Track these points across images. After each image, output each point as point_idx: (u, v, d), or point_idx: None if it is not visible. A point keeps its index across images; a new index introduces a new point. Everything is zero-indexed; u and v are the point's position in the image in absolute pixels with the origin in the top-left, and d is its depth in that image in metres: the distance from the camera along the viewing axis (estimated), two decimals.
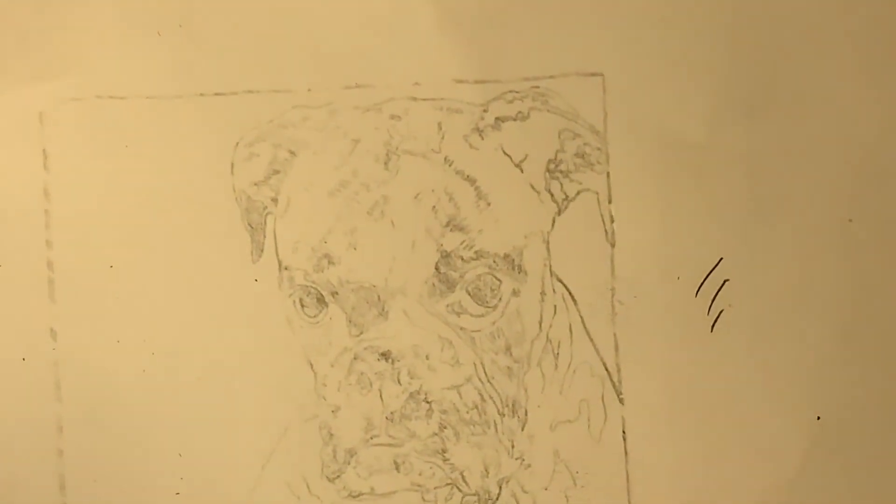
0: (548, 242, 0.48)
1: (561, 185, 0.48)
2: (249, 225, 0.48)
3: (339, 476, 0.47)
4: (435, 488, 0.47)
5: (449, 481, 0.47)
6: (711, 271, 0.47)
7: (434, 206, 0.47)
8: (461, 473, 0.47)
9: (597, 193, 0.48)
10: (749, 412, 0.47)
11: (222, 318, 0.48)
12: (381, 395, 0.47)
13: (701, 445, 0.47)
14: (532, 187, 0.48)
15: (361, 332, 0.47)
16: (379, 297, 0.47)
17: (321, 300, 0.48)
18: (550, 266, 0.48)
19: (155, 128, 0.49)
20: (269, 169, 0.48)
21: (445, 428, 0.47)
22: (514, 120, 0.48)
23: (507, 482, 0.47)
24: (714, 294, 0.47)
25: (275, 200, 0.48)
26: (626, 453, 0.47)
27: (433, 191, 0.48)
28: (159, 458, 0.48)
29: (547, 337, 0.47)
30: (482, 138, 0.48)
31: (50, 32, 0.49)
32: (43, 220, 0.49)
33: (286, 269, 0.48)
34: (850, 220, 0.47)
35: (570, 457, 0.47)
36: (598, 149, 0.48)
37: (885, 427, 0.47)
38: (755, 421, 0.47)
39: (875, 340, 0.47)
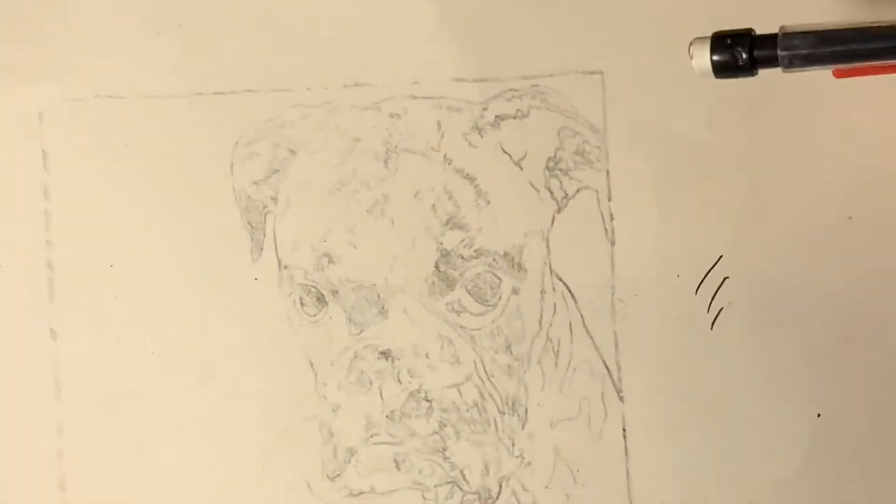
0: (547, 240, 0.48)
1: (560, 182, 0.48)
2: (249, 224, 0.48)
3: (339, 475, 0.47)
4: (435, 487, 0.47)
5: (449, 479, 0.47)
6: (711, 269, 0.47)
7: (434, 205, 0.47)
8: (461, 472, 0.47)
9: (596, 191, 0.48)
10: (749, 409, 0.47)
11: (222, 318, 0.48)
12: (381, 394, 0.47)
13: (701, 442, 0.47)
14: (531, 185, 0.48)
15: (361, 331, 0.47)
16: (379, 295, 0.47)
17: (321, 299, 0.48)
18: (550, 264, 0.48)
19: (154, 127, 0.49)
20: (268, 168, 0.49)
21: (445, 426, 0.47)
22: (514, 118, 0.48)
23: (508, 480, 0.47)
24: (714, 292, 0.47)
25: (274, 199, 0.48)
26: (626, 451, 0.47)
27: (433, 189, 0.48)
28: (159, 458, 0.48)
29: (547, 335, 0.47)
30: (481, 136, 0.48)
31: (49, 32, 0.49)
32: (43, 220, 0.49)
33: (286, 267, 0.48)
34: (850, 218, 0.47)
35: (571, 455, 0.47)
36: (598, 147, 0.48)
37: (884, 424, 0.47)
38: (755, 418, 0.47)
39: (875, 337, 0.46)
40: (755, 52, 0.39)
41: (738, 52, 0.39)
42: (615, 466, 0.47)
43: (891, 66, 0.39)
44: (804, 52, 0.38)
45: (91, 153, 0.49)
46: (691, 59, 0.40)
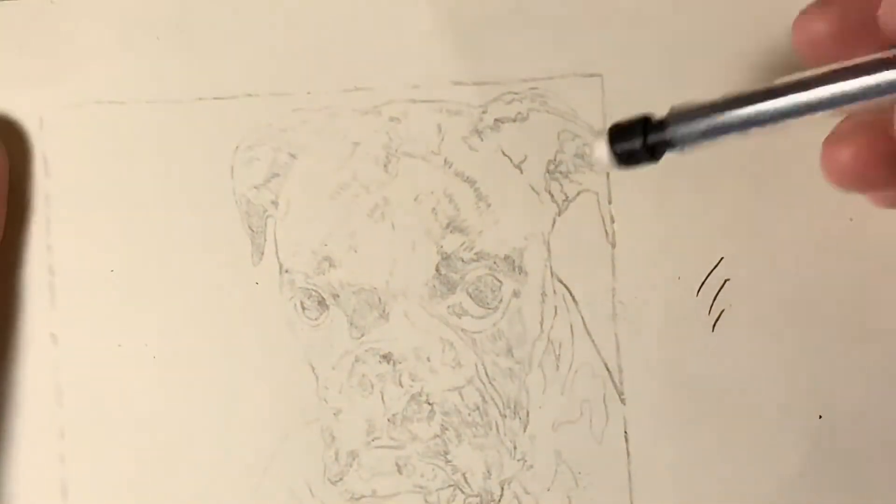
0: (548, 243, 0.48)
1: (561, 185, 0.48)
2: (250, 228, 0.48)
3: (341, 479, 0.47)
4: (437, 490, 0.47)
5: (451, 483, 0.47)
6: (712, 271, 0.47)
7: (434, 208, 0.47)
8: (463, 475, 0.47)
9: (597, 194, 0.48)
10: (750, 411, 0.47)
11: (223, 322, 0.48)
12: (382, 398, 0.47)
13: (702, 445, 0.47)
14: (532, 188, 0.48)
15: (363, 335, 0.47)
16: (380, 299, 0.47)
17: (322, 303, 0.48)
18: (551, 267, 0.48)
19: (154, 132, 0.49)
20: (268, 172, 0.49)
21: (447, 430, 0.47)
22: (514, 121, 0.48)
23: (510, 483, 0.47)
24: (715, 294, 0.47)
25: (275, 203, 0.48)
26: (627, 453, 0.47)
27: (433, 192, 0.48)
28: (161, 463, 0.48)
29: (548, 338, 0.47)
30: (481, 140, 0.48)
31: (49, 38, 0.49)
32: (44, 226, 0.49)
33: (287, 272, 0.48)
34: (851, 219, 0.47)
35: (572, 457, 0.47)
36: None
37: (887, 426, 0.47)
38: (757, 420, 0.47)
39: (877, 339, 0.47)
40: (650, 139, 0.39)
41: (633, 143, 0.39)
42: (617, 468, 0.47)
43: None
44: (696, 130, 0.38)
45: (92, 158, 0.49)
46: (592, 155, 0.42)
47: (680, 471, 0.47)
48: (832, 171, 0.34)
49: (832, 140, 0.35)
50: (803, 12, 0.35)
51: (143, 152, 0.49)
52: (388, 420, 0.47)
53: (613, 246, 0.48)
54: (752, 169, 0.47)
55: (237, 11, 0.49)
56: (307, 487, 0.48)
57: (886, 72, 0.32)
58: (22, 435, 0.48)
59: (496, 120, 0.48)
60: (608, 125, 0.40)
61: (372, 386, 0.47)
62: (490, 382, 0.47)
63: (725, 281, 0.47)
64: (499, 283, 0.47)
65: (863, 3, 0.32)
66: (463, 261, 0.47)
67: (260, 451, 0.48)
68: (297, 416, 0.48)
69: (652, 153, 0.39)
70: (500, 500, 0.47)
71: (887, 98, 0.32)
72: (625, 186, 0.47)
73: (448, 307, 0.47)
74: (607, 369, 0.47)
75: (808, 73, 0.36)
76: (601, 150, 0.40)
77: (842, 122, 0.37)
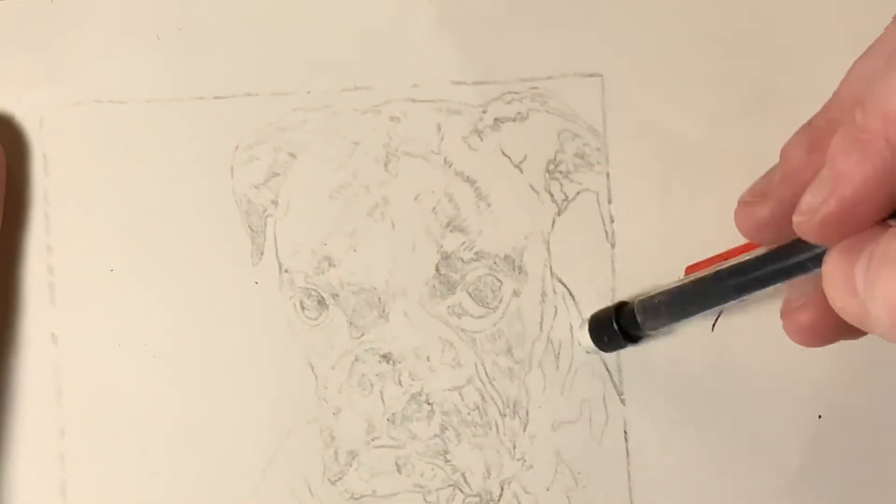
0: (548, 243, 0.48)
1: (561, 185, 0.48)
2: (250, 228, 0.48)
3: (340, 478, 0.47)
4: (437, 490, 0.47)
5: (451, 483, 0.47)
6: None
7: (434, 208, 0.47)
8: (463, 474, 0.47)
9: (596, 194, 0.48)
10: (750, 411, 0.47)
11: (223, 321, 0.48)
12: (382, 397, 0.47)
13: (702, 445, 0.47)
14: (532, 188, 0.48)
15: (362, 334, 0.47)
16: (379, 298, 0.47)
17: (322, 302, 0.48)
18: (551, 267, 0.48)
19: (154, 131, 0.49)
20: (268, 172, 0.49)
21: (447, 429, 0.47)
22: (514, 121, 0.48)
23: (509, 483, 0.47)
24: None
25: (275, 203, 0.48)
26: (627, 453, 0.47)
27: (433, 192, 0.48)
28: (160, 463, 0.48)
29: (548, 338, 0.47)
30: (481, 139, 0.48)
31: (49, 37, 0.49)
32: (44, 225, 0.49)
33: (286, 271, 0.48)
34: None
35: (572, 457, 0.47)
36: (598, 149, 0.48)
37: (886, 425, 0.47)
38: (756, 420, 0.47)
39: (877, 339, 0.46)
40: (622, 324, 0.44)
41: (609, 332, 0.45)
42: (616, 468, 0.47)
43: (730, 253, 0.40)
44: (662, 318, 0.42)
45: (91, 158, 0.49)
46: (578, 343, 0.47)
47: (679, 471, 0.47)
48: (796, 337, 0.36)
49: (788, 310, 0.37)
50: (741, 203, 0.37)
51: (143, 151, 0.49)
52: (388, 419, 0.47)
53: (613, 246, 0.48)
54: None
55: (237, 11, 0.49)
56: (307, 487, 0.48)
57: (803, 254, 0.34)
58: (22, 434, 0.48)
59: (496, 119, 0.48)
60: (589, 318, 0.46)
61: (371, 385, 0.47)
62: (490, 382, 0.47)
63: None
64: (499, 283, 0.47)
65: (793, 193, 0.34)
66: (463, 260, 0.47)
67: (259, 450, 0.48)
68: (297, 416, 0.48)
69: (629, 337, 0.44)
70: (499, 500, 0.47)
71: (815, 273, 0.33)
72: (625, 186, 0.47)
73: (448, 307, 0.47)
74: (607, 369, 0.47)
75: (743, 260, 0.37)
76: (584, 337, 0.46)
77: (790, 290, 0.38)
